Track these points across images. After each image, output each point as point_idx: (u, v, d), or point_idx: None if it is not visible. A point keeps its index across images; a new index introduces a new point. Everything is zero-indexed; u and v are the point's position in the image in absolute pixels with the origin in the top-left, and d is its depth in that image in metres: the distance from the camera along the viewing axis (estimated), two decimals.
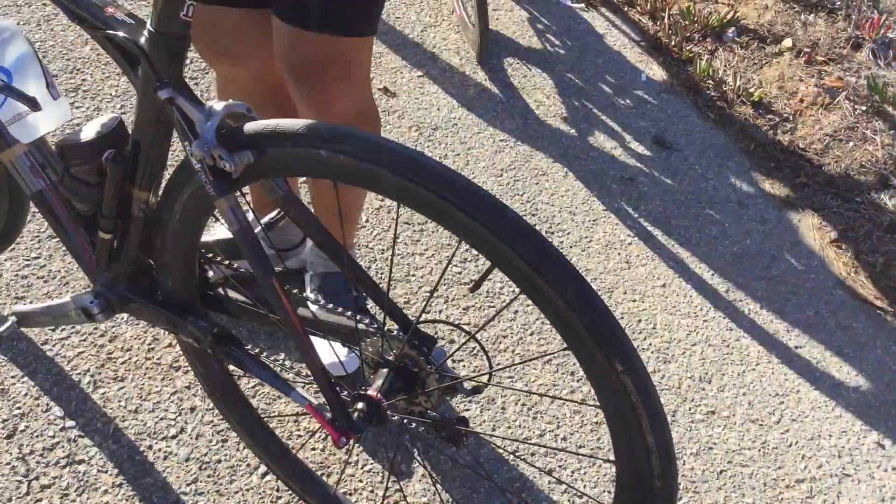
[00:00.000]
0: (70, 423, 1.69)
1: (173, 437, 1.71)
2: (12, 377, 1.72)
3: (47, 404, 1.70)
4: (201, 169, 1.07)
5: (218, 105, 1.05)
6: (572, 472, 1.85)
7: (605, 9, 3.48)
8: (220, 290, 1.37)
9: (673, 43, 3.34)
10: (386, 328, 1.21)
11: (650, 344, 2.19)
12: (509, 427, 1.88)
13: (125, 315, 1.86)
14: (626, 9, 3.50)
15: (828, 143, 2.98)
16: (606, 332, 1.00)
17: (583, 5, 3.46)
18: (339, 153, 1.00)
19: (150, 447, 1.69)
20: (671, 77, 3.21)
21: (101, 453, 1.66)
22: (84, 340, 1.82)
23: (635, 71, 3.19)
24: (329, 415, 1.23)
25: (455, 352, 1.26)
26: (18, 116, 1.28)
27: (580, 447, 1.88)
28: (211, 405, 1.71)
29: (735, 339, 2.26)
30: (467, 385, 1.20)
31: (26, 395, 1.71)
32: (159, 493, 1.63)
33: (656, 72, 3.22)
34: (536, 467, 1.80)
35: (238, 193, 1.14)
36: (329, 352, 1.82)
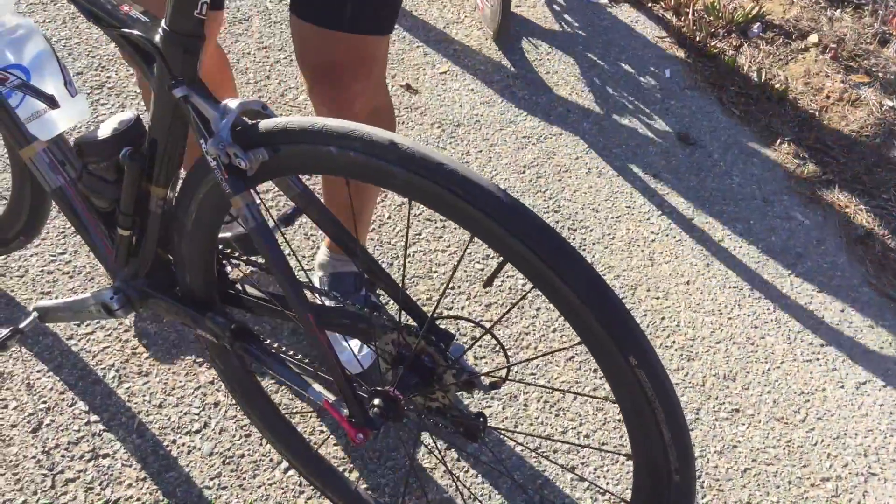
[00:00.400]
0: (95, 417, 1.70)
1: (197, 431, 1.73)
2: (38, 372, 1.75)
3: (72, 399, 1.72)
4: (216, 167, 1.08)
5: (233, 103, 1.06)
6: (594, 469, 1.84)
7: (629, 4, 3.46)
8: (239, 286, 1.38)
9: (697, 38, 3.32)
10: (403, 324, 1.22)
11: (673, 342, 2.17)
12: (531, 424, 1.88)
13: (149, 311, 1.88)
14: (650, 4, 3.48)
15: (854, 140, 2.95)
16: (620, 326, 0.99)
17: (607, 0, 3.44)
18: (349, 150, 1.00)
19: (173, 442, 1.70)
20: (696, 73, 3.18)
21: (126, 447, 1.67)
22: (109, 336, 1.84)
23: (660, 67, 3.17)
24: (346, 411, 1.24)
25: (472, 346, 1.26)
26: (37, 114, 1.30)
27: (603, 444, 1.88)
28: (234, 400, 1.73)
29: (760, 337, 2.24)
30: (485, 381, 1.20)
31: (52, 389, 1.73)
32: (183, 488, 1.64)
33: (681, 67, 3.19)
34: (559, 464, 1.79)
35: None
36: (344, 348, 1.83)
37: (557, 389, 1.12)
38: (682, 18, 3.41)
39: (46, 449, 1.64)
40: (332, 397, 1.28)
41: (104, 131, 1.22)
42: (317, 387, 1.31)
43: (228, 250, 1.35)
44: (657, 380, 1.00)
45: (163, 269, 1.36)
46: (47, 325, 1.82)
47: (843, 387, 2.17)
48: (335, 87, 1.52)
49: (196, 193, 1.17)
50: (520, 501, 1.75)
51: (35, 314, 1.54)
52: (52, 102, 1.23)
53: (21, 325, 1.51)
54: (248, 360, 1.44)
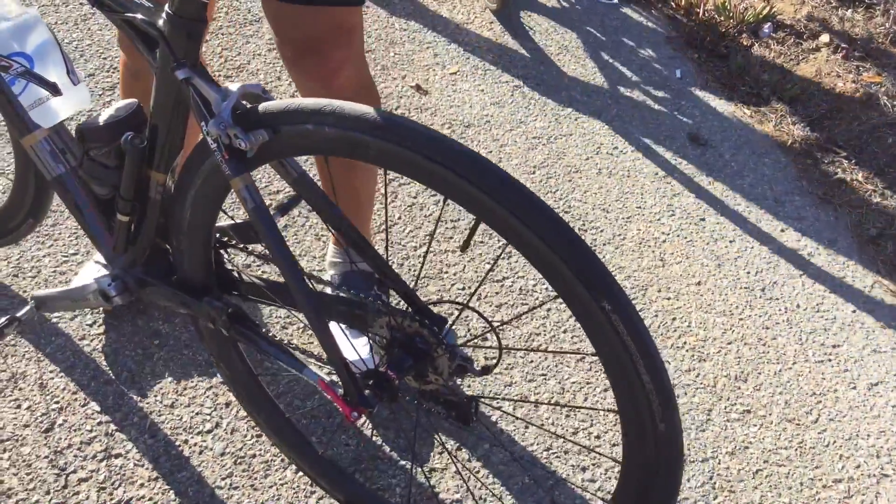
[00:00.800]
0: (107, 417, 1.71)
1: (208, 431, 1.73)
2: (51, 372, 1.75)
3: (85, 399, 1.73)
4: (217, 148, 1.09)
5: (234, 86, 1.08)
6: (605, 470, 1.83)
7: (640, 5, 3.46)
8: (235, 274, 1.39)
9: (708, 38, 3.31)
10: (397, 309, 1.23)
11: (685, 342, 2.17)
12: (542, 423, 1.87)
13: (163, 312, 1.89)
14: (660, 5, 3.48)
15: (866, 140, 2.94)
16: (591, 271, 1.01)
17: (617, 1, 3.44)
18: (324, 125, 1.02)
19: (185, 442, 1.71)
20: (706, 73, 3.18)
21: (138, 447, 1.68)
22: (122, 336, 1.84)
23: (670, 67, 3.16)
24: (341, 390, 1.25)
25: (454, 322, 1.25)
26: (39, 101, 1.31)
27: (613, 446, 1.87)
28: (240, 404, 1.73)
29: (771, 338, 2.23)
30: (477, 366, 1.22)
31: (64, 389, 1.73)
32: (194, 487, 1.64)
33: (691, 67, 3.19)
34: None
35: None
36: (349, 348, 1.83)
37: (533, 349, 1.12)
38: (693, 18, 3.41)
39: (59, 449, 1.65)
40: (327, 378, 1.29)
41: (106, 117, 1.23)
42: (313, 368, 1.32)
43: (226, 238, 1.36)
44: (631, 324, 1.02)
45: (160, 257, 1.37)
46: (54, 320, 1.82)
47: (855, 388, 2.16)
48: (319, 58, 1.53)
49: (196, 179, 1.18)
50: (530, 501, 1.74)
51: (32, 303, 1.55)
52: (54, 90, 1.25)
53: (18, 314, 1.52)
54: (245, 344, 1.44)
